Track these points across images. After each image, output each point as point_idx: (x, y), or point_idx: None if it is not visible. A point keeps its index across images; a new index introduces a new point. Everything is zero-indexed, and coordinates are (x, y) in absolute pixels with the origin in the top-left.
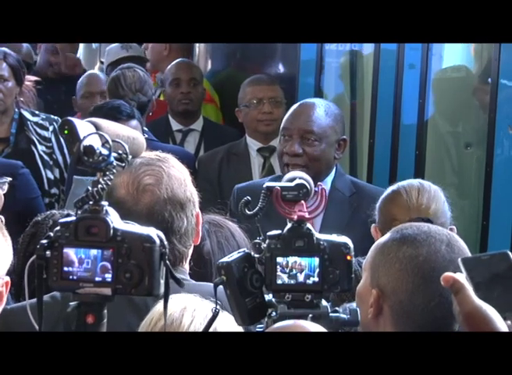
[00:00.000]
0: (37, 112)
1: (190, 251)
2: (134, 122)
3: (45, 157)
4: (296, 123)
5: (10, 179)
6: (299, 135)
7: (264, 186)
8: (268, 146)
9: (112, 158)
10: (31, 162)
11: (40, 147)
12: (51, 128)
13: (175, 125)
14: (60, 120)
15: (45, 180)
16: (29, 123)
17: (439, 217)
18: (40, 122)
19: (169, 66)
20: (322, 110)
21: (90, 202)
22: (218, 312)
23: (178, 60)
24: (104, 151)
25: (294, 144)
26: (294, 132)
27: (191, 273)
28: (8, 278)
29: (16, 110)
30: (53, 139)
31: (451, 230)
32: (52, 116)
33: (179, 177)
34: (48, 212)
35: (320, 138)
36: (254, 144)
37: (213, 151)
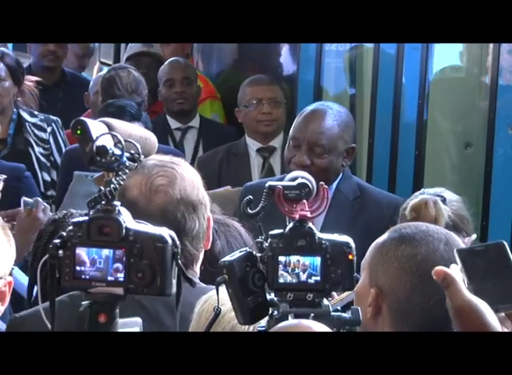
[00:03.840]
0: (35, 113)
1: (201, 256)
2: (137, 124)
3: (42, 159)
4: (305, 133)
5: (5, 176)
6: (308, 146)
7: (267, 185)
8: (267, 146)
9: (124, 159)
10: (28, 163)
11: (37, 148)
12: (49, 129)
13: (173, 123)
14: (59, 121)
15: (41, 182)
16: (27, 124)
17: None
18: (39, 123)
19: (162, 66)
20: (333, 120)
21: (103, 202)
22: (220, 312)
23: (171, 59)
24: (117, 151)
25: (303, 155)
26: (303, 143)
27: (204, 274)
28: (11, 278)
29: (15, 110)
30: (51, 140)
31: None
32: (52, 117)
33: (191, 180)
34: (67, 211)
35: (329, 150)
36: (253, 145)
37: (212, 152)
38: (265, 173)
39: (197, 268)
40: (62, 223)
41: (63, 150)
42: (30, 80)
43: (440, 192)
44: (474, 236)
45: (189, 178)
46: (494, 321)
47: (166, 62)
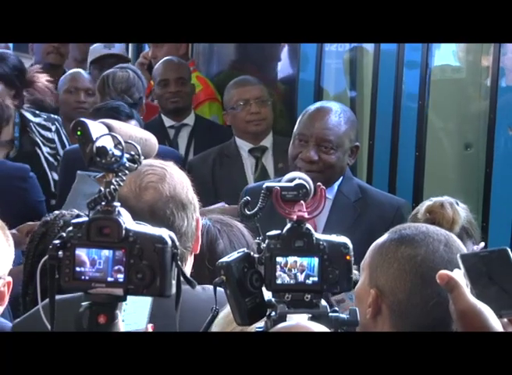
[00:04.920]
0: (37, 112)
1: (191, 258)
2: (133, 122)
3: (50, 158)
4: (313, 129)
5: None
6: (316, 142)
7: (264, 186)
8: (259, 146)
9: (124, 159)
10: (37, 164)
11: (44, 148)
12: (53, 128)
13: (167, 122)
14: (60, 119)
15: (51, 182)
16: (31, 124)
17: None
18: (43, 123)
19: (157, 66)
20: (339, 117)
21: (103, 203)
22: (217, 313)
23: (165, 59)
24: (117, 152)
25: (310, 151)
26: (311, 138)
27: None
28: (10, 278)
29: (16, 113)
30: (56, 139)
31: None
32: (53, 116)
33: (181, 179)
34: (58, 212)
35: (336, 146)
36: (244, 146)
37: (203, 154)
38: (259, 173)
39: (187, 269)
40: (53, 224)
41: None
42: (41, 77)
43: (450, 199)
44: (482, 244)
45: (178, 178)
46: (497, 326)
47: (160, 62)
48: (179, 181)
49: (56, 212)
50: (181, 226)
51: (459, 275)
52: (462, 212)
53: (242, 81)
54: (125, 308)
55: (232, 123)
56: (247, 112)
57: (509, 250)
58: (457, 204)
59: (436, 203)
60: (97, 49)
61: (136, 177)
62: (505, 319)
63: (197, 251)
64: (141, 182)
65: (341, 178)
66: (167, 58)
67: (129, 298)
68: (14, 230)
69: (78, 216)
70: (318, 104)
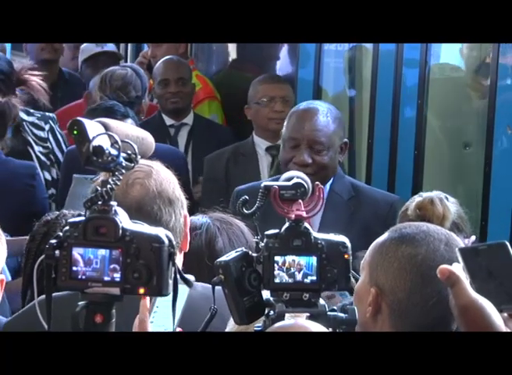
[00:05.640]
0: (31, 111)
1: (180, 255)
2: (129, 121)
3: (42, 158)
4: (303, 132)
5: None
6: (307, 145)
7: (262, 185)
8: (276, 144)
9: (121, 159)
10: None
11: (36, 148)
12: (46, 127)
13: (168, 120)
14: (55, 117)
15: (43, 181)
16: (24, 123)
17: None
18: (36, 121)
19: (157, 65)
20: (327, 117)
21: (99, 202)
22: (216, 312)
23: (165, 58)
24: (114, 152)
25: (303, 154)
26: (302, 142)
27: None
28: (3, 276)
29: None
30: (50, 138)
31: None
32: (47, 114)
33: (167, 176)
34: (59, 212)
35: (328, 147)
36: (262, 143)
37: (219, 152)
38: (274, 172)
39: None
40: (55, 224)
41: (63, 146)
42: (34, 75)
43: (439, 194)
44: (474, 237)
45: (164, 175)
46: (499, 321)
47: (161, 61)
48: (165, 178)
49: (56, 211)
50: (168, 222)
51: (459, 269)
52: (452, 207)
53: (269, 78)
54: (156, 310)
55: (254, 118)
56: (271, 110)
57: (508, 244)
58: (447, 199)
59: (426, 199)
60: (88, 48)
61: (124, 175)
62: (505, 314)
63: (187, 249)
64: (128, 179)
65: (333, 177)
66: (168, 57)
67: (161, 300)
68: None
69: (80, 215)
70: (303, 105)
